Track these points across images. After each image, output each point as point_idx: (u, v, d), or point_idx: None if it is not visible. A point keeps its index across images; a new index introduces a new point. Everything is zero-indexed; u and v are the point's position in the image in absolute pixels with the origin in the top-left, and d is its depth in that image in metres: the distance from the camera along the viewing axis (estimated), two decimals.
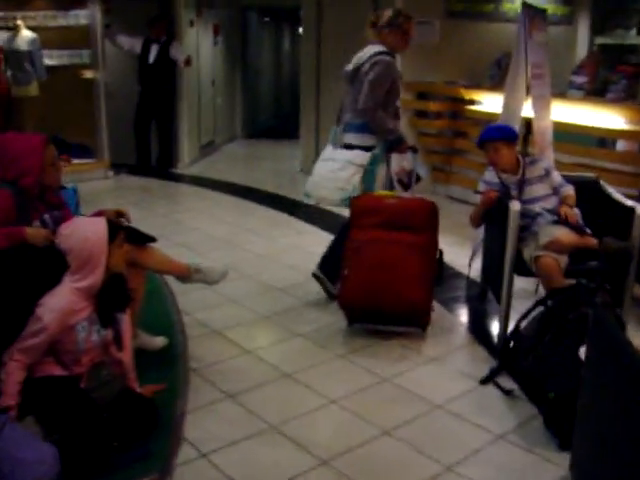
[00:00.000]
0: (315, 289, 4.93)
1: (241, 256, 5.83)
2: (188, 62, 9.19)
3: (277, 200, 7.99)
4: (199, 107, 10.42)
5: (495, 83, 7.21)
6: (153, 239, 3.79)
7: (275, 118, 14.86)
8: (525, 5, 4.68)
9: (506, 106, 5.12)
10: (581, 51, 7.90)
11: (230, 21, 12.18)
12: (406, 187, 4.89)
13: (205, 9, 10.49)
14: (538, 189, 4.40)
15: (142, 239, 3.75)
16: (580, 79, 6.29)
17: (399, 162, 4.86)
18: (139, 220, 6.42)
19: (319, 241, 5.99)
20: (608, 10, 7.88)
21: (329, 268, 4.81)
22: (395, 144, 4.68)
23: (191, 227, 6.77)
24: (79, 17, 8.93)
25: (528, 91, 4.92)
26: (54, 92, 8.65)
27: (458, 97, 7.60)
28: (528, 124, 5.08)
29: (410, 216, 4.37)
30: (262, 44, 14.13)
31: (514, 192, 4.41)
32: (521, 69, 4.96)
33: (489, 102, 7.26)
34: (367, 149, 4.67)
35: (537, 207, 4.35)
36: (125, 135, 9.42)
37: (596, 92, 6.34)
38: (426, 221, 4.39)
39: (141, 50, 9.20)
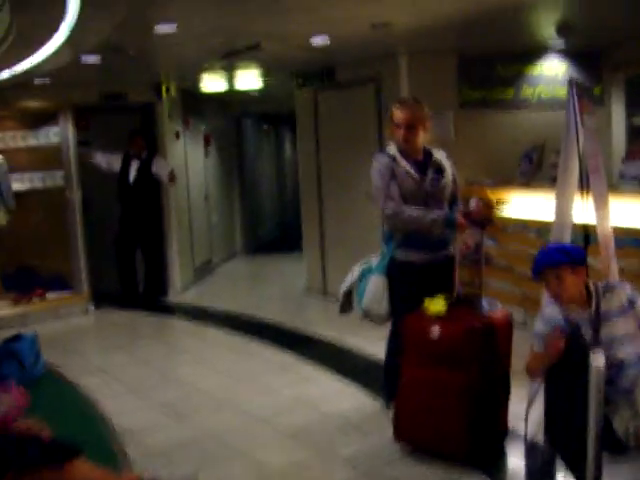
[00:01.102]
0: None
1: (233, 422, 4.58)
2: (172, 178, 8.19)
3: (280, 334, 6.78)
4: (190, 226, 9.39)
5: (527, 180, 6.10)
6: (77, 452, 2.58)
7: (279, 230, 13.84)
8: (572, 83, 3.61)
9: (559, 210, 3.97)
10: (617, 134, 6.83)
11: (223, 130, 11.33)
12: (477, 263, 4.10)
13: (193, 119, 9.60)
14: (619, 327, 3.19)
15: (62, 454, 2.55)
16: (634, 169, 5.16)
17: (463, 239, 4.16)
18: (117, 369, 5.47)
19: (331, 392, 4.96)
20: None
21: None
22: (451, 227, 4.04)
23: (176, 378, 5.55)
24: (50, 135, 8.11)
25: (585, 188, 3.77)
26: (25, 219, 7.82)
27: (479, 196, 6.46)
28: (586, 233, 3.91)
29: (455, 349, 3.71)
30: (261, 152, 13.25)
31: (586, 332, 3.21)
32: (572, 162, 3.84)
33: (521, 203, 6.15)
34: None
35: (621, 352, 3.14)
36: (109, 262, 8.43)
37: None
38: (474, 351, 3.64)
39: (120, 168, 8.26)
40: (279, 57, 6.84)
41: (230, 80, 8.53)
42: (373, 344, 5.53)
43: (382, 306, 4.22)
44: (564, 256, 3.20)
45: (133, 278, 8.53)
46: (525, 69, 6.89)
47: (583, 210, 3.91)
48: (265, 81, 8.70)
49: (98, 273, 8.42)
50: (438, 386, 3.72)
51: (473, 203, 3.97)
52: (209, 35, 5.66)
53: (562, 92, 6.82)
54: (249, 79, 8.51)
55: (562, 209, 3.99)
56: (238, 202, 11.84)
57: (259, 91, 9.79)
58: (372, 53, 6.90)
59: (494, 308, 3.77)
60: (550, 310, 3.36)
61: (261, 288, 9.21)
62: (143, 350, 6.37)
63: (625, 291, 3.23)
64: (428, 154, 4.17)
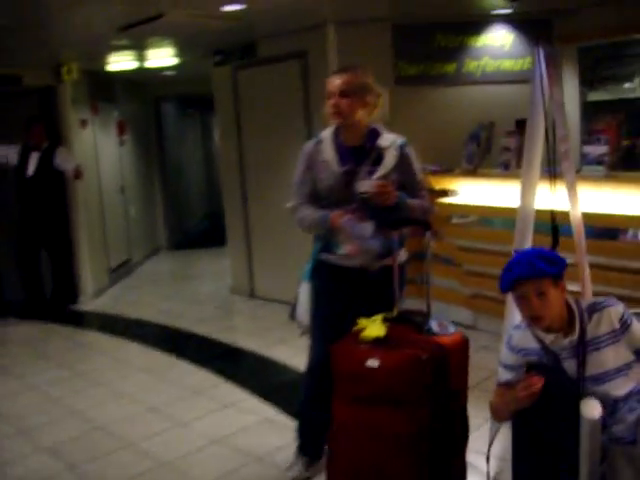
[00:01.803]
0: None
1: (131, 468, 3.74)
2: (78, 174, 7.23)
3: (199, 347, 5.97)
4: (104, 223, 8.44)
5: (474, 165, 5.37)
6: None
7: (208, 222, 12.88)
8: (540, 48, 2.87)
9: (525, 201, 3.25)
10: (571, 111, 6.15)
11: (140, 116, 10.35)
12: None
13: (103, 104, 8.62)
14: (611, 357, 2.47)
15: None
16: (596, 149, 4.47)
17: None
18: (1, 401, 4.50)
19: (254, 424, 4.19)
20: (597, 59, 6.17)
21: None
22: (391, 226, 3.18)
23: (73, 410, 4.66)
24: None
25: (553, 175, 3.04)
26: None
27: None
28: (554, 225, 3.18)
29: (399, 383, 2.87)
30: (185, 138, 12.25)
31: (569, 366, 2.48)
32: (537, 144, 3.12)
33: (469, 191, 5.43)
34: None
35: (614, 389, 2.43)
36: (11, 266, 7.53)
37: (620, 166, 4.54)
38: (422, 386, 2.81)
39: (18, 161, 7.25)
40: (190, 30, 5.96)
41: (140, 58, 7.58)
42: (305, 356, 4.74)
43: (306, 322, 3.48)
44: (548, 265, 2.45)
45: (38, 284, 7.55)
46: (468, 40, 6.14)
47: (551, 200, 3.19)
48: (182, 60, 7.80)
49: (2, 280, 7.49)
50: (379, 430, 2.95)
51: (365, 185, 3.06)
52: (106, 2, 4.78)
53: (509, 65, 6.16)
54: (161, 57, 7.58)
55: (528, 199, 3.26)
56: (160, 193, 10.89)
57: (176, 71, 8.89)
58: (297, 24, 6.08)
59: (446, 331, 3.01)
60: (520, 336, 2.62)
61: (183, 290, 8.32)
62: (39, 374, 5.45)
63: (617, 311, 2.50)
64: (373, 140, 3.22)
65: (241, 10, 5.15)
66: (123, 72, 8.53)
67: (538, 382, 2.41)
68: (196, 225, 12.43)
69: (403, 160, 3.20)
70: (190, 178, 12.43)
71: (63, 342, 6.38)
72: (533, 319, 2.48)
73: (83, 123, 7.94)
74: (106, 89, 8.87)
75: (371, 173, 3.11)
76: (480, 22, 6.12)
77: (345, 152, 3.20)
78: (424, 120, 6.13)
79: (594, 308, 2.51)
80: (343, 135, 3.23)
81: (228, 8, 5.09)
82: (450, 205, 5.42)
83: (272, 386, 4.79)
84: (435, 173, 5.62)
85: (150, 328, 6.65)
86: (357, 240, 3.09)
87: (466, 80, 6.17)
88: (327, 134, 3.28)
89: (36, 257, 7.49)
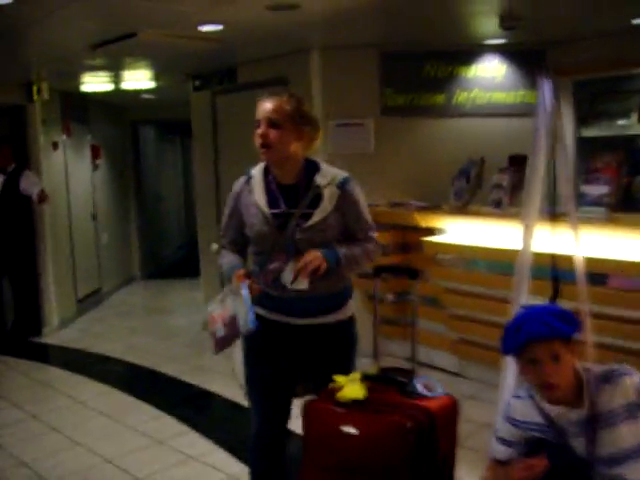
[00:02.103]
0: None
1: None
2: (42, 198, 6.84)
3: (167, 387, 5.57)
4: (72, 250, 8.04)
5: (463, 202, 5.05)
6: None
7: (185, 251, 12.49)
8: (544, 74, 2.57)
9: (526, 243, 2.93)
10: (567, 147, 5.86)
11: (116, 139, 9.99)
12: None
13: (76, 126, 8.26)
14: (625, 435, 2.11)
15: None
16: (596, 190, 4.17)
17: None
18: None
19: None
20: (592, 93, 5.90)
21: None
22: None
23: (17, 462, 4.23)
24: None
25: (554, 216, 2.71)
26: None
27: (409, 224, 5.40)
28: (555, 273, 2.86)
29: (379, 454, 2.48)
30: (164, 164, 11.94)
31: (577, 443, 2.12)
32: (538, 185, 2.80)
33: (457, 230, 5.11)
34: None
35: (630, 472, 2.08)
36: None
37: (619, 207, 4.24)
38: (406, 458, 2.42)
39: None
40: (167, 52, 5.64)
41: (116, 80, 7.24)
42: None
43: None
44: (564, 324, 2.10)
45: None
46: (458, 70, 5.85)
47: (552, 242, 2.87)
48: (160, 83, 7.47)
49: None
50: None
51: (286, 277, 2.70)
52: (79, 18, 4.45)
53: (501, 97, 5.87)
54: (138, 79, 7.24)
55: (528, 241, 2.93)
56: (135, 221, 10.49)
57: (155, 95, 8.57)
58: (279, 49, 5.78)
59: (433, 393, 2.65)
60: (521, 407, 2.26)
61: (154, 324, 7.89)
62: None
63: (633, 381, 2.16)
64: (309, 177, 2.76)
65: (219, 31, 4.83)
66: (99, 94, 8.21)
67: (541, 464, 2.07)
68: (172, 254, 12.06)
69: (345, 199, 2.73)
70: (168, 205, 12.08)
71: (19, 378, 5.95)
72: (545, 387, 2.12)
73: (54, 145, 7.58)
74: (80, 111, 8.51)
75: (306, 217, 2.68)
76: (472, 52, 5.84)
77: (277, 192, 2.75)
78: (411, 153, 5.85)
79: (607, 377, 2.16)
80: (275, 171, 2.77)
81: (205, 28, 4.76)
82: (436, 244, 5.08)
83: (241, 438, 4.37)
84: (421, 210, 5.30)
85: (114, 365, 6.24)
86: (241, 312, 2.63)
87: (456, 112, 5.88)
88: (258, 170, 2.83)
89: None
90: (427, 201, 5.43)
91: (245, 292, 2.61)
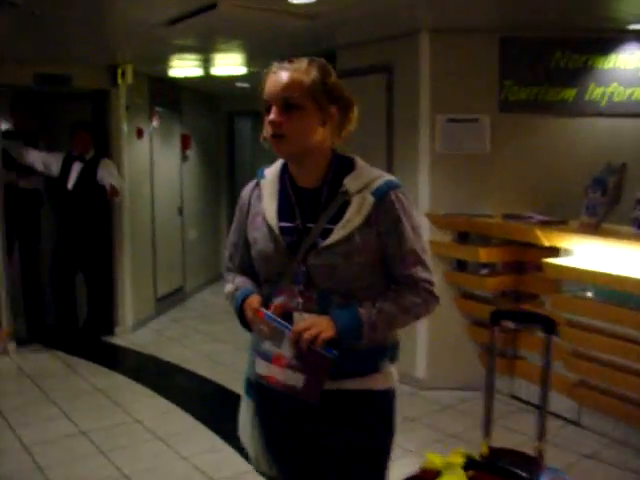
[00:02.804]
0: None
1: None
2: (113, 193, 6.34)
3: (235, 412, 4.90)
4: (154, 246, 7.53)
5: (598, 220, 4.15)
6: None
7: None
8: None
9: None
10: None
11: (210, 130, 9.47)
12: None
13: (166, 114, 7.75)
14: None
15: None
16: None
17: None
18: None
19: None
20: None
21: None
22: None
23: None
24: None
25: None
26: None
27: (527, 241, 4.53)
28: None
29: None
30: (258, 157, 11.31)
31: None
32: None
33: (587, 252, 4.22)
34: None
35: None
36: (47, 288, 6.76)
37: None
38: None
39: (60, 171, 6.43)
40: (255, 31, 4.99)
41: (204, 64, 6.66)
42: None
43: (257, 453, 2.19)
44: None
45: (71, 310, 6.72)
46: (594, 61, 4.94)
47: None
48: (252, 69, 6.84)
49: (36, 302, 6.73)
50: None
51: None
52: None
53: None
54: (228, 64, 6.63)
55: None
56: (226, 217, 9.94)
57: (250, 82, 7.94)
58: (383, 30, 5.03)
59: None
60: None
61: (237, 329, 7.13)
62: (31, 426, 4.51)
63: None
64: (338, 178, 1.98)
65: (311, 4, 4.12)
66: (191, 80, 7.65)
67: None
68: None
69: (383, 212, 1.91)
70: None
71: (80, 384, 5.44)
72: None
73: (139, 133, 7.07)
74: (171, 98, 8.01)
75: (326, 235, 1.90)
76: (611, 39, 4.92)
77: (292, 198, 2.00)
78: (533, 156, 4.99)
79: None
80: (292, 170, 2.03)
81: (295, 0, 4.05)
82: (561, 267, 4.20)
83: None
84: (544, 225, 4.42)
85: (183, 378, 5.67)
86: (281, 354, 1.89)
87: (589, 110, 4.97)
88: (273, 170, 2.10)
89: (71, 280, 6.67)
90: (550, 214, 4.56)
91: (278, 322, 1.87)
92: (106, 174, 6.36)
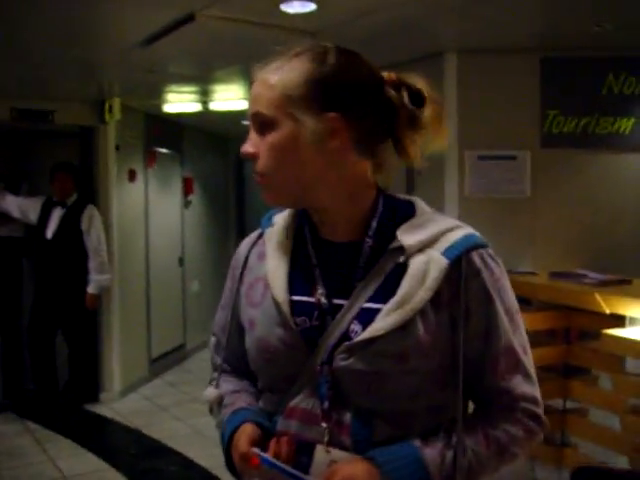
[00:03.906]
0: None
1: None
2: (92, 301, 5.80)
3: None
4: (148, 300, 6.74)
5: None
6: None
7: None
8: None
9: None
10: None
11: (216, 173, 8.74)
12: None
13: (164, 154, 7.04)
14: None
15: None
16: None
17: None
18: None
19: None
20: None
21: None
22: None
23: None
24: None
25: None
26: None
27: (583, 307, 3.63)
28: None
29: None
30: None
31: None
32: None
33: None
34: None
35: None
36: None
37: None
38: None
39: (38, 218, 5.71)
40: (246, 50, 4.24)
41: (201, 96, 5.94)
42: None
43: None
44: None
45: (50, 373, 5.91)
46: None
47: None
48: None
49: (15, 363, 6.05)
50: None
51: None
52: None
53: None
54: (229, 97, 5.90)
55: None
56: None
57: None
58: (400, 50, 4.24)
59: None
60: None
61: None
62: None
63: None
64: (385, 230, 1.27)
65: (311, 13, 3.35)
66: (192, 118, 6.94)
67: None
68: None
69: (465, 289, 1.21)
70: None
71: (43, 467, 4.62)
72: None
73: (131, 175, 6.35)
74: (171, 137, 7.30)
75: (366, 320, 1.21)
76: None
77: (311, 258, 1.31)
78: (583, 201, 4.19)
79: None
80: (315, 219, 1.33)
81: (291, 9, 3.29)
82: (626, 341, 3.31)
83: None
84: (602, 285, 3.54)
85: (167, 462, 4.80)
86: None
87: None
88: (287, 215, 1.38)
89: (50, 340, 5.91)
90: (607, 272, 3.68)
91: (285, 472, 1.18)
92: (89, 227, 5.64)
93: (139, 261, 6.60)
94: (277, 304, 1.26)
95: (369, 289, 1.22)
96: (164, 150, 7.06)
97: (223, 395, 1.39)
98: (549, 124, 4.17)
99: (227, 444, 1.31)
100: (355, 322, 1.21)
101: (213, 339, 1.50)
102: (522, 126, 4.21)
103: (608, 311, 3.36)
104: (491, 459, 1.21)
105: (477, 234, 1.28)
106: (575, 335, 3.75)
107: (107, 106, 5.81)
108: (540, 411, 1.27)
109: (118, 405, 6.01)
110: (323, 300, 1.25)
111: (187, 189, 7.71)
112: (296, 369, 1.24)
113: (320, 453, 1.21)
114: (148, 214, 6.73)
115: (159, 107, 6.32)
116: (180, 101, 6.10)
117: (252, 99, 1.24)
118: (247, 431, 1.26)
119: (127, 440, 5.28)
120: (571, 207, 4.18)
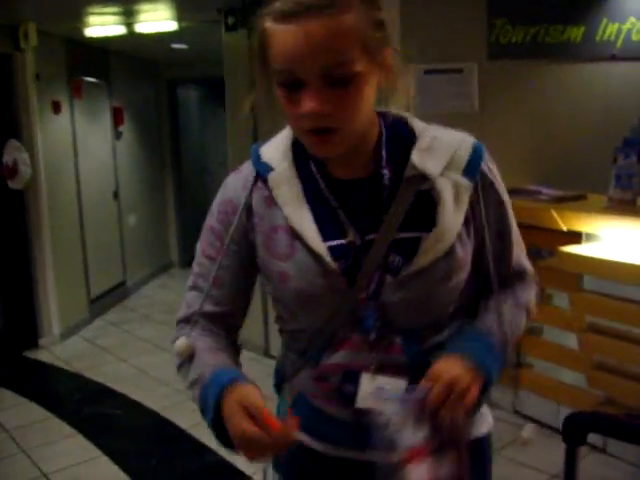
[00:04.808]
0: None
1: None
2: (11, 172, 5.25)
3: (173, 454, 3.90)
4: (82, 238, 6.43)
5: (633, 193, 3.17)
6: None
7: None
8: None
9: None
10: None
11: (148, 101, 8.31)
12: None
13: (91, 84, 6.61)
14: None
15: None
16: None
17: None
18: None
19: None
20: None
21: None
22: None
23: None
24: None
25: None
26: None
27: (538, 224, 3.52)
28: None
29: None
30: (207, 131, 10.21)
31: None
32: None
33: (616, 238, 3.24)
34: None
35: None
36: None
37: None
38: None
39: None
40: None
41: (125, 18, 5.53)
42: None
43: None
44: None
45: None
46: None
47: None
48: (184, 24, 5.72)
49: None
50: None
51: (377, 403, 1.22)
52: None
53: None
54: (155, 18, 5.51)
55: None
56: (173, 199, 8.81)
57: (188, 43, 6.86)
58: None
59: None
60: None
61: None
62: None
63: None
64: (395, 157, 1.29)
65: None
66: (119, 42, 6.51)
67: None
68: None
69: (484, 201, 1.30)
70: (215, 179, 10.39)
71: None
72: None
73: (55, 107, 5.94)
74: (97, 65, 6.87)
75: (406, 251, 1.25)
76: None
77: (329, 200, 1.29)
78: (533, 114, 4.02)
79: None
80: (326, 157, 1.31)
81: None
82: (583, 259, 3.21)
83: None
84: (558, 201, 3.41)
85: (112, 405, 4.61)
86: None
87: (601, 53, 3.97)
88: (282, 154, 1.34)
89: None
90: (561, 187, 3.56)
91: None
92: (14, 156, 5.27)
93: (70, 197, 6.25)
94: (316, 255, 1.24)
95: (397, 219, 1.24)
96: (90, 79, 6.62)
97: (196, 349, 1.31)
98: (496, 34, 3.97)
99: (215, 408, 1.18)
100: (392, 254, 1.23)
101: (192, 278, 1.38)
102: (468, 37, 4.00)
103: (565, 228, 3.25)
104: (522, 318, 1.39)
105: (474, 140, 1.32)
106: (540, 253, 3.66)
107: (21, 31, 5.37)
108: (536, 277, 1.45)
109: (59, 349, 5.77)
110: (357, 241, 1.25)
111: (117, 119, 7.30)
112: (337, 307, 1.25)
113: (366, 380, 1.26)
114: (77, 148, 6.35)
115: (81, 31, 5.87)
116: (103, 24, 5.67)
117: (317, 49, 1.10)
118: (255, 392, 1.17)
119: (70, 386, 5.06)
120: (521, 120, 4.03)
